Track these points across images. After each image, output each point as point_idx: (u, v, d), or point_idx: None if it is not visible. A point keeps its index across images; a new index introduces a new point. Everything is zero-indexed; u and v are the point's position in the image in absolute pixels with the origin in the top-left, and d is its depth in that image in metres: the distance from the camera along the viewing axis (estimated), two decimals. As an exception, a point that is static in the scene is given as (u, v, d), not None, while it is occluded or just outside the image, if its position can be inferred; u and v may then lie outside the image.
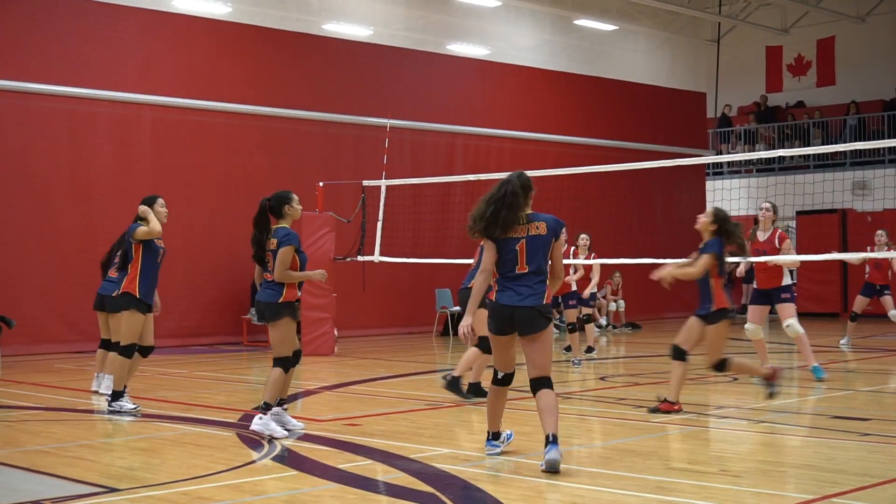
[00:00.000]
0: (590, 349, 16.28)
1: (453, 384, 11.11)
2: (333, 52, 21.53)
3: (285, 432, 8.91)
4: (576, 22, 27.15)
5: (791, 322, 12.62)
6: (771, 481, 7.01)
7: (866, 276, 17.40)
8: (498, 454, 7.95)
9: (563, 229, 7.61)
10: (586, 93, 25.81)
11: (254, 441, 8.68)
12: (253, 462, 7.87)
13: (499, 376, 7.81)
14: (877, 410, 10.52)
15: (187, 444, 8.73)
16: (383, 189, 17.51)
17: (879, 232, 17.12)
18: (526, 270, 7.48)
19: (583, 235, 16.22)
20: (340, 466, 7.63)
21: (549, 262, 7.63)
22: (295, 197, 9.32)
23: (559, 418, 7.47)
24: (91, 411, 10.83)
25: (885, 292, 17.17)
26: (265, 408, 8.95)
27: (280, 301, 9.01)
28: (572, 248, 15.96)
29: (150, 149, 19.02)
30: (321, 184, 17.72)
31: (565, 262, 15.68)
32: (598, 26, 27.55)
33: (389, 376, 13.99)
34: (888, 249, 16.54)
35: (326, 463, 7.79)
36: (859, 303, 17.42)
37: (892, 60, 29.51)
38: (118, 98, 18.59)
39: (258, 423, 8.89)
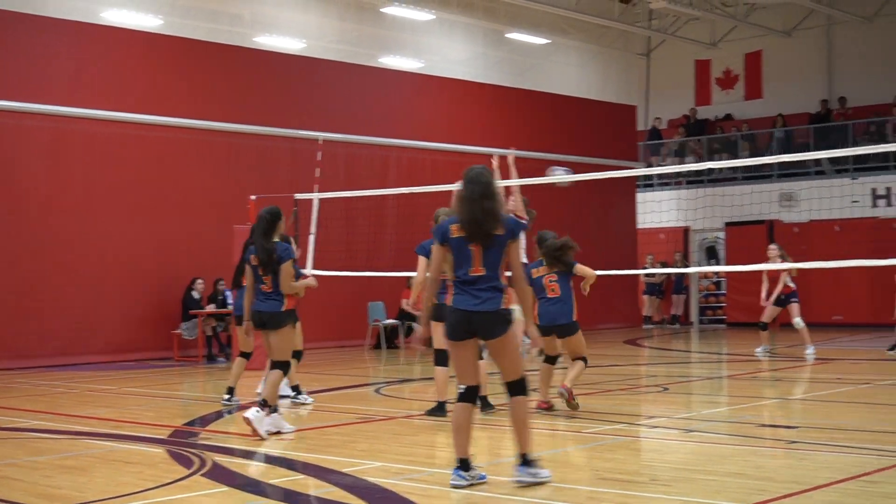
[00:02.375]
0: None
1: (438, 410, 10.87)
2: (266, 65, 21.41)
3: (266, 435, 9.43)
4: (508, 35, 27.31)
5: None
6: (700, 490, 7.07)
7: (772, 290, 17.66)
8: (464, 487, 7.13)
9: (523, 231, 7.38)
10: (519, 106, 25.93)
11: (184, 458, 8.57)
12: (183, 479, 7.77)
13: (461, 389, 7.29)
14: (803, 419, 10.67)
15: (116, 462, 8.60)
16: (316, 202, 17.41)
17: (772, 246, 17.46)
18: (481, 273, 7.10)
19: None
20: (272, 481, 7.57)
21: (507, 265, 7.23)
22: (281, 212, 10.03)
23: (531, 432, 7.22)
24: (15, 429, 10.63)
25: (792, 300, 17.45)
26: (263, 404, 9.52)
27: (283, 310, 9.75)
28: None
29: (80, 162, 18.73)
30: (253, 197, 17.59)
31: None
32: (530, 40, 27.74)
33: (322, 390, 13.90)
34: (781, 261, 16.88)
35: (258, 478, 7.73)
36: (769, 313, 17.70)
37: (817, 74, 30.04)
38: (48, 111, 18.29)
39: (253, 415, 9.43)
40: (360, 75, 22.87)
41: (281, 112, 21.19)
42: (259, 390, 11.70)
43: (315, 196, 17.48)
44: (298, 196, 17.70)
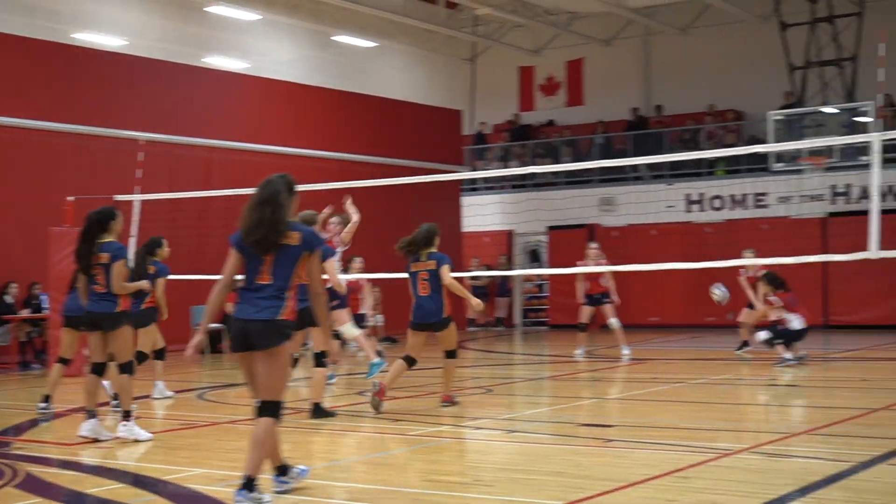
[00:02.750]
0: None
1: (318, 411, 10.91)
2: (85, 63, 20.75)
3: (150, 434, 9.51)
4: (334, 38, 27.27)
5: None
6: (522, 489, 7.19)
7: (587, 288, 18.06)
8: (286, 490, 7.12)
9: (321, 244, 7.03)
10: (345, 108, 25.86)
11: (-4, 468, 8.26)
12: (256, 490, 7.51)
13: (257, 404, 6.94)
14: (620, 417, 10.98)
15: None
16: (137, 204, 17.03)
17: (593, 245, 17.94)
18: (267, 282, 6.76)
19: (357, 259, 16.21)
20: (89, 491, 7.36)
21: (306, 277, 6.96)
22: (120, 213, 9.83)
23: (263, 457, 6.75)
24: None
25: (605, 300, 17.88)
26: (126, 415, 9.48)
27: (117, 311, 9.56)
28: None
29: None
30: (71, 198, 17.07)
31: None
32: (357, 43, 27.77)
33: (142, 396, 13.58)
34: (602, 262, 17.38)
35: (74, 488, 7.49)
36: (585, 313, 18.10)
37: (635, 82, 30.96)
38: None
39: (123, 430, 9.44)
40: (183, 75, 22.43)
41: (101, 111, 20.58)
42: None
43: (136, 198, 17.09)
44: (118, 197, 17.25)
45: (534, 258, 29.49)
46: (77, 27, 22.25)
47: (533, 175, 28.61)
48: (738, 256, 16.52)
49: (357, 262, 16.19)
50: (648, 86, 30.87)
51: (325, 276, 11.12)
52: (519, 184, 29.68)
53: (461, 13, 29.47)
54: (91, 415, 9.56)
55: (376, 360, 13.52)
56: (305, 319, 9.90)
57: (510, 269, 28.09)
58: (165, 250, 13.02)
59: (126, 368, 9.65)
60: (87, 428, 9.49)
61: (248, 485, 6.55)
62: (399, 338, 23.43)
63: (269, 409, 6.75)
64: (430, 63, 30.92)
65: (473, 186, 30.32)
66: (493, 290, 29.23)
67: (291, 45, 26.77)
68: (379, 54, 29.10)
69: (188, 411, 12.05)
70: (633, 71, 31.11)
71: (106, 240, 9.60)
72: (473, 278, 27.58)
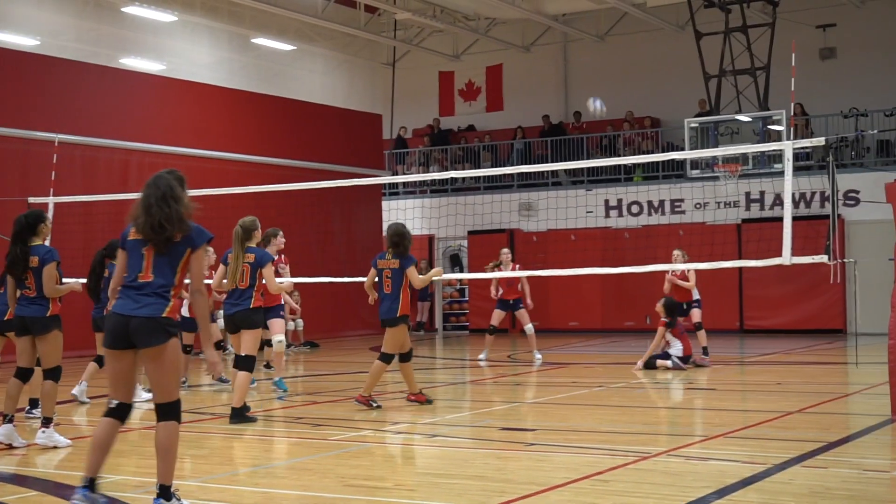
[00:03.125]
0: (268, 365, 16.16)
1: (238, 415, 10.88)
2: (-3, 62, 20.36)
3: (69, 441, 9.41)
4: (254, 40, 27.07)
5: None
6: (444, 494, 7.21)
7: (500, 293, 18.28)
8: None
9: (205, 240, 6.75)
10: (265, 112, 25.69)
11: None
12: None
13: (112, 405, 6.72)
14: (541, 421, 11.05)
15: None
16: (51, 206, 16.74)
17: (504, 250, 18.15)
18: (149, 279, 6.56)
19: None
20: (4, 500, 7.20)
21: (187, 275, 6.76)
22: (49, 216, 9.77)
23: (175, 463, 6.59)
24: None
25: (519, 306, 18.11)
26: (46, 422, 9.37)
27: (48, 315, 9.46)
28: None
29: None
30: (-17, 200, 16.73)
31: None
32: (276, 46, 27.60)
33: (62, 402, 13.33)
34: (514, 267, 17.67)
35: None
36: (496, 316, 18.33)
37: (554, 88, 31.22)
38: None
39: (42, 437, 9.32)
40: (99, 76, 22.08)
41: (13, 111, 20.14)
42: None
43: (50, 200, 16.81)
44: (32, 199, 16.96)
45: (454, 262, 29.56)
46: (-11, 26, 21.81)
47: (453, 180, 28.65)
48: (655, 262, 16.75)
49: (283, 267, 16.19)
50: (567, 92, 31.15)
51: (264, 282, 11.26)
52: (439, 188, 29.73)
53: (381, 18, 29.46)
54: (8, 419, 9.39)
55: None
56: (239, 321, 11.14)
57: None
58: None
59: (52, 374, 9.52)
60: (1, 433, 9.31)
61: (165, 493, 6.46)
62: (320, 342, 23.35)
63: (167, 411, 6.58)
64: (350, 67, 30.84)
65: (394, 191, 30.32)
66: (413, 295, 29.19)
67: (210, 47, 26.51)
68: (299, 58, 28.94)
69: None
70: (552, 77, 31.37)
71: (35, 243, 9.51)
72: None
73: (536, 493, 7.10)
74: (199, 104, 24.20)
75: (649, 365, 16.00)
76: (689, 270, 16.70)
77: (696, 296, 17.23)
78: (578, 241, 25.35)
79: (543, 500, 6.95)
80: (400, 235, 11.85)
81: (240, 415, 10.89)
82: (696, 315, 17.24)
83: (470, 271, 27.12)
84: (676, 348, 16.02)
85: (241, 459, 8.85)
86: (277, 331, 13.60)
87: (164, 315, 6.50)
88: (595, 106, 15.60)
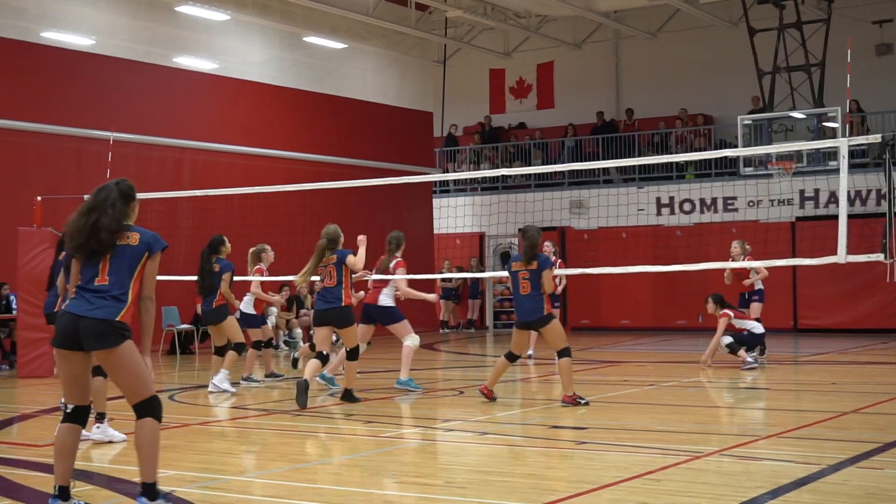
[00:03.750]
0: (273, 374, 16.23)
1: (347, 395, 12.22)
2: (53, 62, 20.64)
3: (124, 436, 9.48)
4: (305, 39, 27.19)
5: None
6: (494, 491, 7.21)
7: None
8: None
9: (161, 248, 6.65)
10: (316, 110, 25.84)
11: (-36, 470, 8.20)
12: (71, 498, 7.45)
13: (67, 409, 6.56)
14: (592, 420, 11.01)
15: None
16: (106, 204, 16.90)
17: (547, 244, 17.76)
18: (106, 283, 6.46)
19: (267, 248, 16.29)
20: (59, 493, 7.31)
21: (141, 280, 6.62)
22: None
23: (158, 460, 6.47)
24: None
25: (556, 304, 17.88)
26: (101, 417, 9.58)
27: None
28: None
29: None
30: (39, 198, 16.96)
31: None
32: (328, 44, 27.71)
33: (112, 397, 13.48)
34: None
35: (43, 490, 7.44)
36: None
37: (605, 86, 31.09)
38: None
39: (97, 432, 9.52)
40: (152, 75, 22.33)
41: (70, 111, 20.45)
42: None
43: (105, 198, 16.96)
44: (88, 197, 17.16)
45: (505, 260, 29.52)
46: (45, 26, 22.08)
47: (504, 177, 28.67)
48: (708, 260, 16.62)
49: None
50: (618, 89, 31.01)
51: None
52: (490, 186, 29.74)
53: (432, 16, 29.50)
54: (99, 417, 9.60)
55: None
56: (333, 319, 12.04)
57: (481, 270, 28.14)
58: (228, 247, 13.71)
59: (100, 370, 9.46)
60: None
61: (148, 491, 6.36)
62: (371, 341, 23.39)
63: (145, 409, 6.47)
64: (400, 65, 30.90)
65: (445, 189, 30.37)
66: (464, 292, 29.29)
67: (262, 45, 26.68)
68: (350, 56, 29.05)
69: (158, 413, 11.98)
70: (604, 74, 31.24)
71: None
72: (444, 280, 27.62)
73: (587, 492, 7.09)
74: (251, 103, 24.39)
75: (733, 349, 15.79)
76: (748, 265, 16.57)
77: (759, 286, 16.99)
78: (629, 239, 25.26)
79: (595, 498, 6.93)
80: (535, 240, 12.01)
81: (349, 395, 12.14)
82: (755, 310, 16.96)
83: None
84: (755, 328, 15.84)
85: (293, 455, 8.91)
86: (405, 333, 13.58)
87: (117, 318, 6.41)
88: None
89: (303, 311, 22.67)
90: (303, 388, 11.65)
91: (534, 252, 11.87)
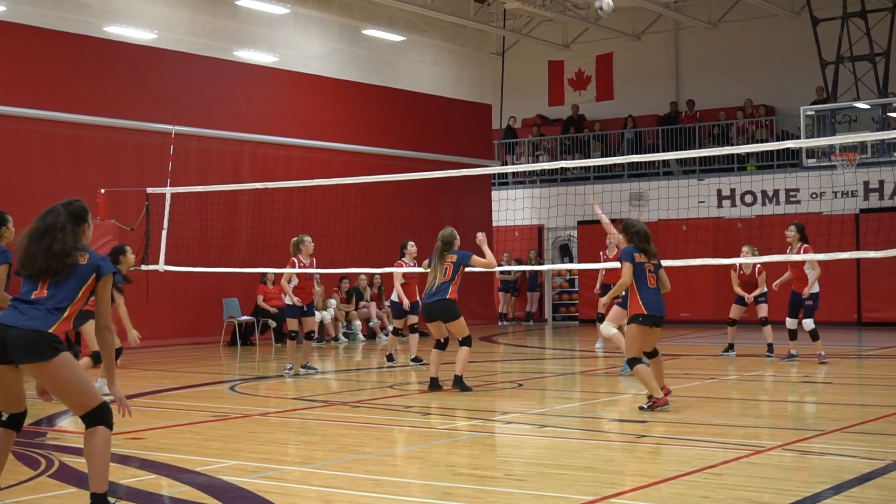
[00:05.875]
0: (417, 359, 16.44)
1: (458, 382, 12.46)
2: (115, 56, 20.89)
3: None
4: (364, 32, 27.31)
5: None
6: (553, 484, 7.20)
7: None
8: None
9: (111, 272, 6.29)
10: (374, 102, 25.92)
11: (30, 458, 8.34)
12: (29, 480, 7.55)
13: (3, 418, 6.25)
14: (651, 413, 10.94)
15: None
16: (168, 196, 17.13)
17: (410, 243, 17.52)
18: (44, 295, 6.10)
19: (410, 243, 16.54)
20: (123, 482, 7.40)
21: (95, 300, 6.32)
22: (10, 219, 9.20)
23: (108, 470, 6.15)
24: None
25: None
26: None
27: None
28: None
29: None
30: (102, 191, 17.19)
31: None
32: (386, 37, 27.80)
33: (175, 388, 13.69)
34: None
35: (109, 479, 7.55)
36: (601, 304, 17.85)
37: (665, 77, 30.84)
38: None
39: None
40: (213, 68, 22.53)
41: (130, 104, 20.67)
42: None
43: (167, 190, 17.19)
44: (150, 190, 17.38)
45: (564, 253, 29.46)
46: (108, 21, 22.39)
47: (563, 170, 28.55)
48: (770, 252, 16.43)
49: (411, 246, 16.64)
50: (678, 80, 30.75)
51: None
52: (549, 178, 29.66)
53: (490, 7, 29.46)
54: None
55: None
56: (438, 312, 12.50)
57: (540, 263, 28.09)
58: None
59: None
60: None
61: (98, 502, 6.08)
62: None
63: (96, 417, 6.09)
64: (459, 57, 30.92)
65: (504, 181, 30.32)
66: (523, 285, 29.25)
67: (321, 39, 26.83)
68: (408, 48, 29.12)
69: (220, 403, 12.13)
70: (663, 65, 30.98)
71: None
72: (503, 273, 27.60)
73: (648, 486, 7.06)
74: (310, 96, 24.51)
75: (814, 336, 15.49)
76: (759, 267, 16.42)
77: (763, 289, 16.84)
78: (690, 232, 25.03)
79: (655, 492, 6.90)
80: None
81: (460, 383, 12.36)
82: (762, 310, 16.87)
83: (580, 262, 26.99)
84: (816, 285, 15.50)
85: (352, 446, 8.96)
86: (612, 319, 14.40)
87: (50, 331, 5.99)
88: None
89: (362, 304, 22.77)
90: (434, 384, 12.55)
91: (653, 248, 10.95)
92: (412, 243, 16.62)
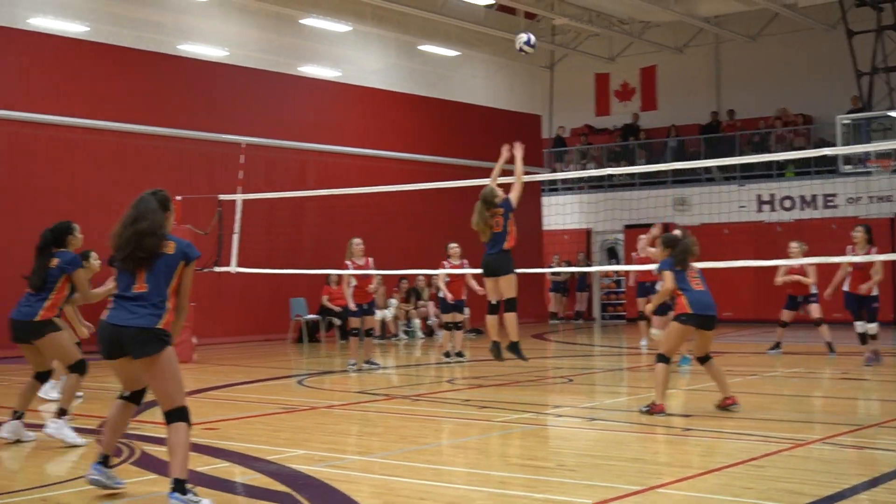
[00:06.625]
0: (459, 354, 16.53)
1: (514, 348, 11.88)
2: (189, 72, 21.14)
3: (83, 441, 8.69)
4: (420, 47, 27.38)
5: None
6: (603, 474, 7.17)
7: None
8: (98, 481, 6.66)
9: (196, 257, 6.58)
10: (430, 114, 25.98)
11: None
12: (114, 467, 7.64)
13: (125, 394, 6.73)
14: (696, 408, 10.87)
15: (47, 452, 8.44)
16: (239, 203, 17.28)
17: (652, 236, 17.29)
18: (145, 290, 6.38)
19: (452, 244, 16.63)
20: (199, 469, 7.48)
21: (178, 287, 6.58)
22: (77, 227, 9.31)
23: (188, 459, 6.36)
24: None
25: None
26: (62, 412, 8.89)
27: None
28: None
29: (2, 164, 18.26)
30: (179, 198, 17.35)
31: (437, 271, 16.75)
32: (441, 52, 27.85)
33: (247, 381, 13.81)
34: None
35: (192, 468, 7.64)
36: (641, 305, 17.47)
37: (707, 88, 30.60)
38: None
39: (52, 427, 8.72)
40: (279, 83, 22.71)
41: (204, 117, 20.93)
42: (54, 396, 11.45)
43: (238, 197, 17.33)
44: (222, 197, 17.53)
45: (611, 255, 29.36)
46: (182, 39, 22.65)
47: (610, 176, 28.48)
48: (809, 255, 16.21)
49: (453, 248, 16.77)
50: (719, 91, 30.49)
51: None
52: (596, 185, 29.55)
53: (540, 23, 29.40)
54: (18, 415, 9.00)
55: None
56: (495, 265, 11.84)
57: (588, 265, 27.99)
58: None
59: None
60: (7, 429, 8.89)
61: (180, 487, 6.23)
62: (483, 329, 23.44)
63: (179, 415, 6.37)
64: (510, 71, 30.89)
65: (553, 187, 30.26)
66: (572, 285, 29.16)
67: (380, 54, 26.94)
68: (461, 63, 29.15)
69: (289, 396, 12.21)
70: (705, 77, 30.75)
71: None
72: (554, 274, 27.54)
73: (692, 477, 7.01)
74: (370, 108, 24.63)
75: (873, 337, 14.84)
76: (807, 265, 16.04)
77: (813, 290, 16.42)
78: (731, 235, 24.84)
79: (700, 483, 6.85)
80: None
81: (516, 349, 11.82)
82: (815, 310, 16.38)
83: (626, 264, 26.85)
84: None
85: (412, 437, 8.98)
86: (659, 326, 14.08)
87: (157, 326, 6.34)
88: (523, 42, 13.49)
89: (420, 303, 22.82)
90: (496, 348, 12.01)
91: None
92: (454, 245, 16.69)
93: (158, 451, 8.22)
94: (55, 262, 8.91)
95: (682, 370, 13.49)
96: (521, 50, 13.33)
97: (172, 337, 6.49)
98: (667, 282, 10.34)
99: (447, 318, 16.92)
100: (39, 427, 9.09)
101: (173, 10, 22.69)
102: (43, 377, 9.06)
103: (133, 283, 6.41)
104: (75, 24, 20.67)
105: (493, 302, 11.98)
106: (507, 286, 11.83)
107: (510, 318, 11.82)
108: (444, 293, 16.82)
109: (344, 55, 25.86)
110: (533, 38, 13.21)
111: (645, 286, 17.35)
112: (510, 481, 6.98)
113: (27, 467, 8.00)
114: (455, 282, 16.86)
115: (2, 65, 18.35)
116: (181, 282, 6.54)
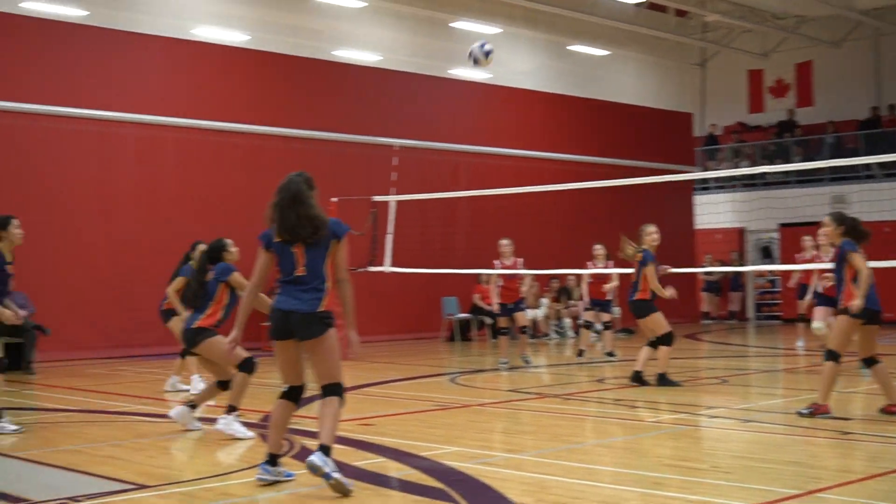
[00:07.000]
0: (610, 353, 16.60)
1: (663, 380, 12.33)
2: (344, 77, 21.54)
3: (251, 434, 8.95)
4: (569, 48, 27.24)
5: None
6: (758, 477, 6.99)
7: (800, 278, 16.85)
8: (268, 483, 6.87)
9: (346, 231, 6.86)
10: (580, 114, 25.82)
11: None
12: (278, 465, 7.83)
13: (284, 389, 6.98)
14: (857, 411, 10.49)
15: (213, 443, 8.72)
16: (393, 204, 17.51)
17: (597, 246, 16.80)
18: (304, 274, 6.72)
19: (597, 246, 16.59)
20: (355, 464, 7.61)
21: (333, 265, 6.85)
22: (230, 242, 9.49)
23: (336, 429, 6.72)
24: (121, 413, 10.81)
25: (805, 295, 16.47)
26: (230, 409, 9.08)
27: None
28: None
29: (172, 168, 18.98)
30: (334, 199, 17.70)
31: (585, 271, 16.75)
32: (591, 52, 27.65)
33: (401, 379, 13.98)
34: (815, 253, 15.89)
35: (342, 460, 7.76)
36: (803, 307, 16.74)
37: (866, 82, 29.52)
38: (142, 120, 18.54)
39: (222, 424, 9.01)
40: (431, 86, 22.93)
41: (358, 120, 21.29)
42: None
43: (392, 198, 17.57)
44: (376, 198, 17.80)
45: (765, 254, 28.60)
46: (337, 45, 23.11)
47: (763, 174, 27.76)
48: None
49: (598, 248, 16.75)
50: (879, 85, 29.37)
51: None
52: (750, 183, 28.85)
53: (691, 20, 28.87)
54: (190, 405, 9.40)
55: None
56: (632, 311, 12.63)
57: (742, 265, 27.36)
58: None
59: (243, 367, 9.12)
60: (176, 413, 9.34)
61: (326, 451, 6.61)
62: (634, 329, 23.17)
63: (334, 389, 6.77)
64: (660, 69, 30.46)
65: (705, 186, 29.68)
66: (725, 285, 28.55)
67: (530, 55, 26.91)
68: (612, 62, 28.87)
69: (441, 393, 12.29)
70: (863, 72, 29.66)
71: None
72: (706, 273, 27.02)
73: (853, 482, 6.76)
74: (521, 109, 24.63)
75: None
76: None
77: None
78: (893, 234, 23.89)
79: (861, 488, 6.59)
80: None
81: (663, 379, 12.28)
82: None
83: (782, 263, 26.14)
84: None
85: (564, 436, 8.93)
86: (821, 318, 14.16)
87: (320, 310, 6.70)
88: (476, 53, 12.20)
89: (570, 302, 22.69)
90: (636, 377, 12.49)
91: None
92: (599, 246, 16.66)
93: (315, 446, 8.39)
94: (210, 275, 9.30)
95: (865, 372, 12.93)
96: (475, 60, 13.10)
97: (349, 313, 6.84)
98: (859, 262, 9.44)
99: (588, 316, 16.86)
100: (209, 420, 9.40)
101: (329, 17, 23.18)
102: (224, 385, 9.37)
103: (295, 266, 6.73)
104: (237, 34, 21.30)
105: (653, 339, 12.70)
106: (648, 328, 12.66)
107: (662, 350, 12.49)
108: (584, 293, 16.93)
109: (495, 57, 25.85)
110: (487, 45, 12.81)
111: (806, 287, 16.66)
112: (665, 482, 6.86)
113: (195, 458, 8.27)
114: (599, 282, 16.72)
115: (171, 75, 19.05)
116: (335, 260, 6.81)
